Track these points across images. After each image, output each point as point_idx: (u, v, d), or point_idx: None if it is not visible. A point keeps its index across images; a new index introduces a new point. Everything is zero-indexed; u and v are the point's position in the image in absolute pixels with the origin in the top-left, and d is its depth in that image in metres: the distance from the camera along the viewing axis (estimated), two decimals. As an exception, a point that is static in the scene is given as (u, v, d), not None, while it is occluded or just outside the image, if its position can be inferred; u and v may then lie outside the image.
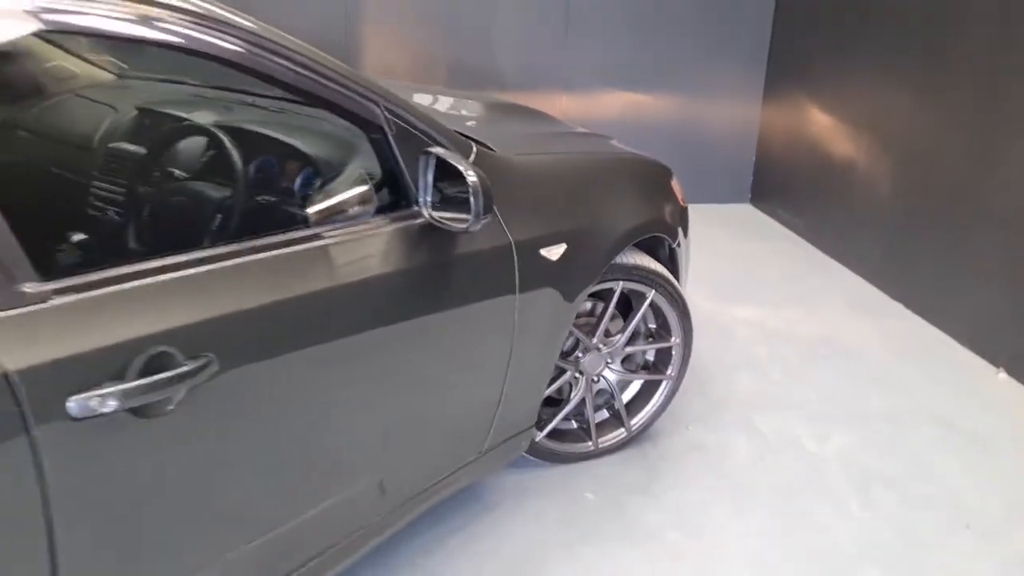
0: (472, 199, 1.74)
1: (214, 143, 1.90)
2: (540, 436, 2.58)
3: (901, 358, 3.62)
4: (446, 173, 1.84)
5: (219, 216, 1.81)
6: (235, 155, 1.84)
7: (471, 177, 1.75)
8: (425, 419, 2.04)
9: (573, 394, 2.65)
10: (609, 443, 2.77)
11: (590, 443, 2.73)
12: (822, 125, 5.02)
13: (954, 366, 3.59)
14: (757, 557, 2.35)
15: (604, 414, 2.81)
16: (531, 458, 2.64)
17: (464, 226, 1.79)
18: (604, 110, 5.39)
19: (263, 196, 1.90)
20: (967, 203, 3.77)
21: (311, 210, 1.82)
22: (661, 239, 2.73)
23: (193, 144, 1.96)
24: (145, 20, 1.44)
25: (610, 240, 2.45)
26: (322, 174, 1.90)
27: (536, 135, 2.86)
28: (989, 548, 2.43)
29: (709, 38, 5.41)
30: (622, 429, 2.78)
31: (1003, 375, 3.48)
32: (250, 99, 1.99)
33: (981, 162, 3.68)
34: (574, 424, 2.76)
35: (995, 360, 3.55)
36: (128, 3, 1.43)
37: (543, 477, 2.66)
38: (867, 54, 4.54)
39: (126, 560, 1.43)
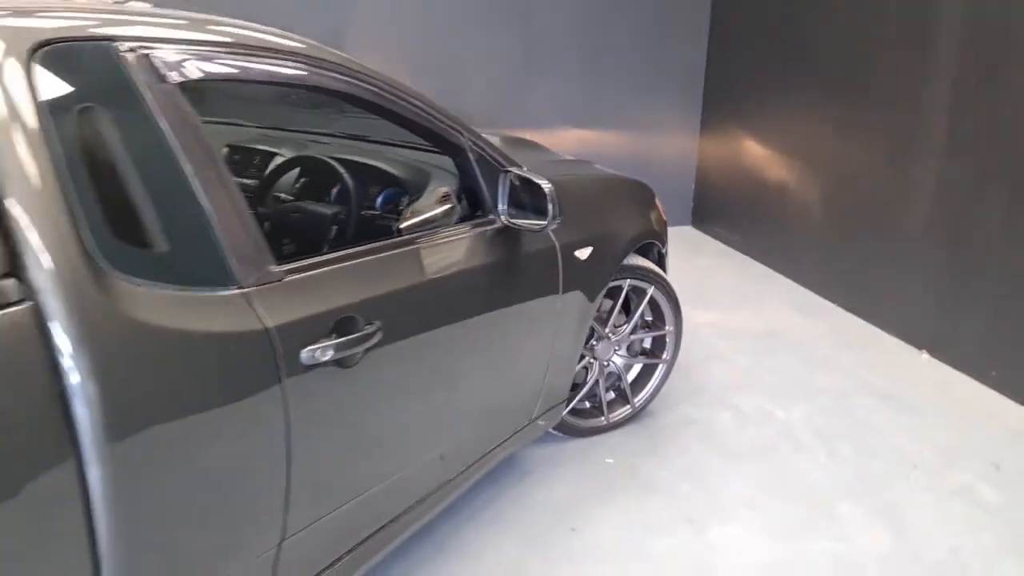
0: (549, 204, 2.25)
1: (368, 178, 2.48)
2: (564, 412, 3.07)
3: (840, 347, 4.26)
4: (512, 189, 2.35)
5: (369, 224, 2.32)
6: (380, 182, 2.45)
7: (547, 187, 2.26)
8: (500, 387, 2.51)
9: (589, 377, 3.16)
10: (617, 418, 3.28)
11: (603, 418, 3.24)
12: (755, 154, 5.72)
13: (884, 351, 4.25)
14: (752, 498, 2.89)
15: (611, 395, 3.31)
16: (556, 433, 3.13)
17: (541, 226, 2.29)
18: (561, 143, 5.96)
19: (391, 211, 2.42)
20: (884, 216, 4.47)
21: (423, 218, 2.28)
22: (653, 244, 3.29)
23: (349, 177, 2.53)
24: (312, 71, 1.90)
25: (621, 245, 2.98)
26: (420, 192, 2.39)
27: (544, 161, 3.39)
28: (930, 483, 3.03)
29: (651, 80, 6.08)
30: (628, 406, 3.30)
31: (925, 355, 4.16)
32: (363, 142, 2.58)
33: (893, 182, 4.39)
34: (587, 404, 3.26)
35: (918, 344, 4.22)
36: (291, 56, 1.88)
37: (567, 449, 3.15)
38: (792, 92, 5.26)
39: (330, 471, 1.86)
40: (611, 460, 3.10)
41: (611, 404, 3.28)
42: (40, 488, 1.27)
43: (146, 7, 1.77)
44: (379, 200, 2.55)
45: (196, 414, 1.51)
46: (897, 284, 4.38)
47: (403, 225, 2.24)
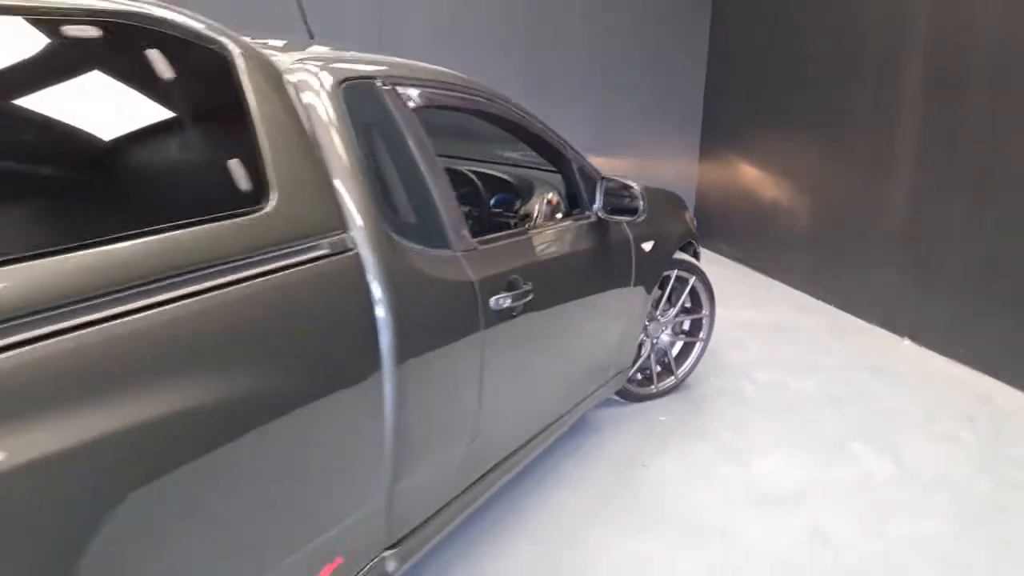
0: (640, 202, 2.97)
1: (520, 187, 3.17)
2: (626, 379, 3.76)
3: (834, 335, 5.02)
4: (607, 192, 3.07)
5: (494, 218, 3.01)
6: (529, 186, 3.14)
7: (637, 188, 2.99)
8: (594, 350, 3.21)
9: (643, 351, 3.86)
10: (664, 387, 3.99)
11: (652, 387, 3.94)
12: (749, 176, 6.53)
13: (872, 338, 5.02)
14: (781, 442, 3.60)
15: (658, 368, 4.02)
16: (616, 399, 3.82)
17: (632, 219, 3.02)
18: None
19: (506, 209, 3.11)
20: (864, 225, 5.27)
21: (539, 211, 2.99)
22: (691, 243, 4.02)
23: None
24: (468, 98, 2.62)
25: (672, 241, 3.72)
26: (529, 196, 3.10)
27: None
28: (920, 430, 3.77)
29: (654, 111, 6.88)
30: (672, 377, 4.00)
31: (907, 342, 4.93)
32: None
33: (870, 196, 5.20)
34: (639, 376, 3.96)
35: (900, 332, 5.00)
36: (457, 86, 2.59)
37: (626, 411, 3.84)
38: (780, 121, 6.08)
39: (499, 394, 2.54)
40: (664, 418, 3.80)
41: (659, 375, 3.98)
42: (359, 382, 1.91)
43: (359, 55, 2.46)
44: (492, 201, 3.26)
45: (441, 339, 2.19)
46: (879, 283, 5.17)
47: (530, 215, 2.95)
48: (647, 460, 3.41)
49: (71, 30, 1.53)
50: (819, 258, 5.75)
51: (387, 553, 2.18)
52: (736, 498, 3.14)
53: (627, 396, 3.86)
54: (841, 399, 4.08)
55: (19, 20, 1.46)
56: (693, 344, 4.07)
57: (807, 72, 5.78)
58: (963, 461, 3.50)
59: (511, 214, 3.14)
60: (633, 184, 3.02)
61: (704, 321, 4.05)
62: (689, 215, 4.11)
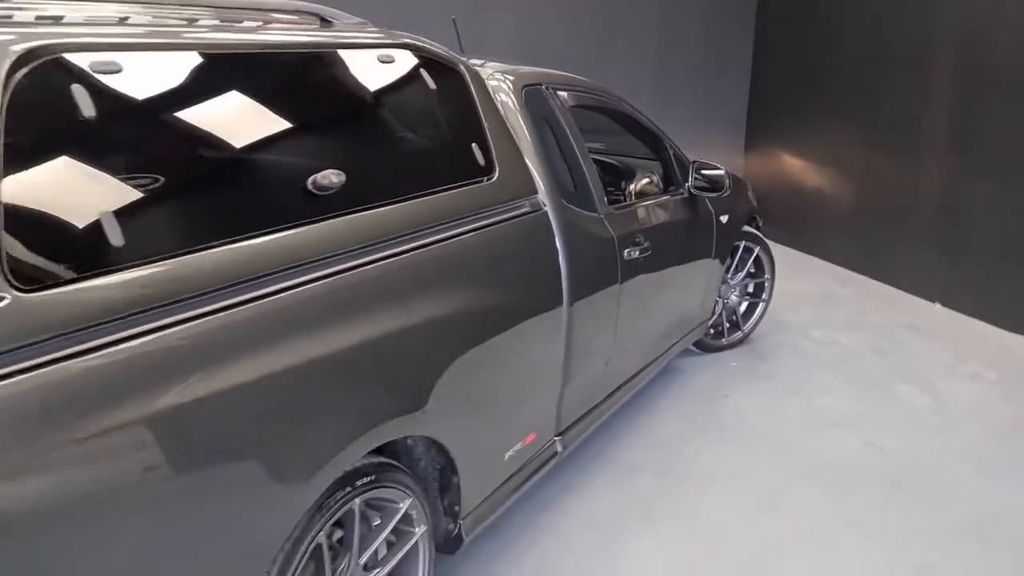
0: (726, 180, 3.71)
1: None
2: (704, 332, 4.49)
3: (874, 301, 5.73)
4: (697, 172, 3.79)
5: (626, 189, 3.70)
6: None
7: (723, 170, 3.72)
8: (686, 301, 3.94)
9: (716, 309, 4.59)
10: (733, 340, 4.71)
11: (723, 339, 4.67)
12: (791, 166, 7.23)
13: (907, 303, 5.72)
14: (836, 383, 4.31)
15: (727, 324, 4.74)
16: (694, 350, 4.55)
17: (718, 194, 3.75)
18: (635, 162, 7.47)
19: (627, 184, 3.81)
20: (899, 205, 5.97)
21: (643, 188, 3.72)
22: (755, 217, 4.75)
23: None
24: (596, 97, 3.36)
25: (742, 216, 4.44)
26: (632, 177, 3.84)
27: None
28: (952, 372, 4.47)
29: (702, 108, 7.59)
30: (740, 332, 4.73)
31: (938, 306, 5.62)
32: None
33: (905, 179, 5.90)
34: (712, 331, 4.68)
35: (932, 298, 5.69)
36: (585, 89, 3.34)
37: (704, 360, 4.57)
38: (821, 114, 6.78)
39: (627, 330, 3.28)
40: (735, 364, 4.53)
41: (728, 330, 4.70)
42: (547, 318, 2.66)
43: (536, 70, 3.20)
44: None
45: (595, 278, 2.94)
46: (912, 255, 5.87)
47: (630, 195, 3.69)
48: (724, 396, 4.14)
49: (378, 54, 2.29)
50: (857, 236, 6.44)
51: (557, 438, 2.93)
52: (804, 422, 3.87)
53: (703, 347, 4.59)
54: (885, 351, 4.79)
55: (349, 52, 2.22)
56: (756, 304, 4.79)
57: (845, 67, 6.48)
58: (989, 394, 4.20)
59: (619, 191, 3.87)
60: (719, 166, 3.76)
61: (766, 284, 4.77)
62: (752, 194, 4.83)
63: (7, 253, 1.34)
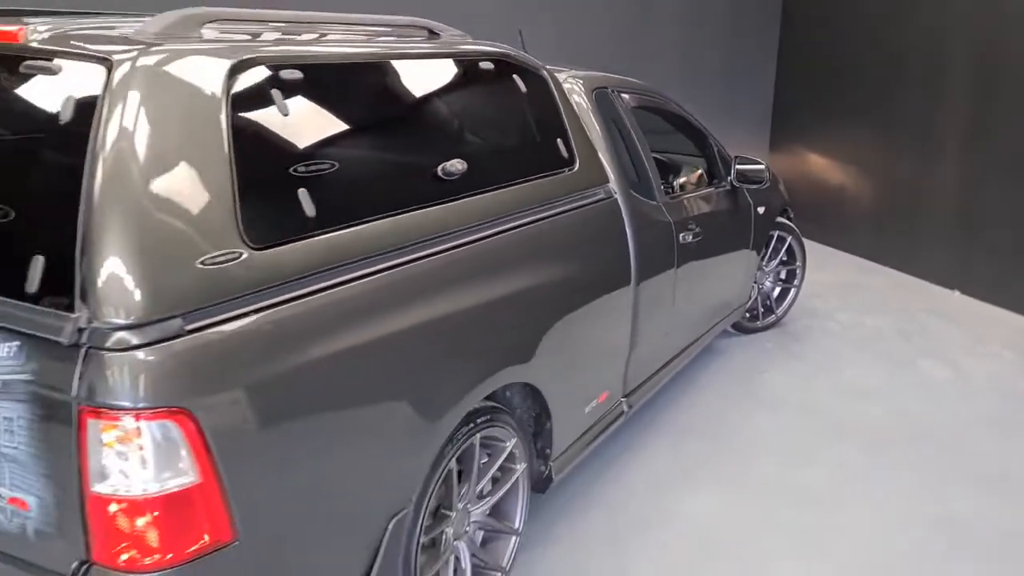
0: (767, 173, 4.09)
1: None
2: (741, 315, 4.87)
3: (896, 289, 6.10)
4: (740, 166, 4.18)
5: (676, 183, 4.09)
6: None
7: (763, 164, 4.10)
8: (728, 285, 4.32)
9: (753, 293, 4.97)
10: (767, 323, 5.09)
11: (759, 322, 5.05)
12: (814, 164, 7.60)
13: (927, 291, 6.09)
14: (863, 360, 4.69)
15: (761, 309, 5.12)
16: (732, 331, 4.93)
17: (759, 186, 4.14)
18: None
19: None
20: (918, 200, 6.33)
21: (692, 180, 4.11)
22: (787, 209, 5.13)
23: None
24: (662, 100, 3.76)
25: (776, 208, 4.83)
26: (678, 172, 4.23)
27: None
28: (972, 350, 4.84)
29: (729, 109, 7.97)
30: (773, 315, 5.11)
31: (957, 294, 5.98)
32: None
33: (923, 176, 6.26)
34: (747, 314, 5.06)
35: (951, 286, 6.05)
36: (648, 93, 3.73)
37: (741, 341, 4.95)
38: (843, 114, 7.15)
39: (682, 305, 3.66)
40: (770, 344, 4.92)
41: (763, 314, 5.09)
42: (619, 291, 3.06)
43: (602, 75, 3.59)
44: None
45: (656, 258, 3.33)
46: (932, 247, 6.23)
47: (682, 186, 4.08)
48: (762, 371, 4.53)
49: (481, 62, 2.70)
50: (878, 229, 6.81)
51: (623, 399, 3.32)
52: (834, 393, 4.25)
53: (741, 329, 4.97)
54: (908, 332, 5.16)
55: (460, 60, 2.63)
56: (789, 290, 5.17)
57: (867, 72, 6.85)
58: (1006, 370, 4.58)
59: (668, 184, 4.26)
60: (760, 161, 4.15)
61: (797, 271, 5.15)
62: (783, 188, 5.21)
63: (242, 222, 1.74)
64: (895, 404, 4.12)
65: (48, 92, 1.80)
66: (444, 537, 2.37)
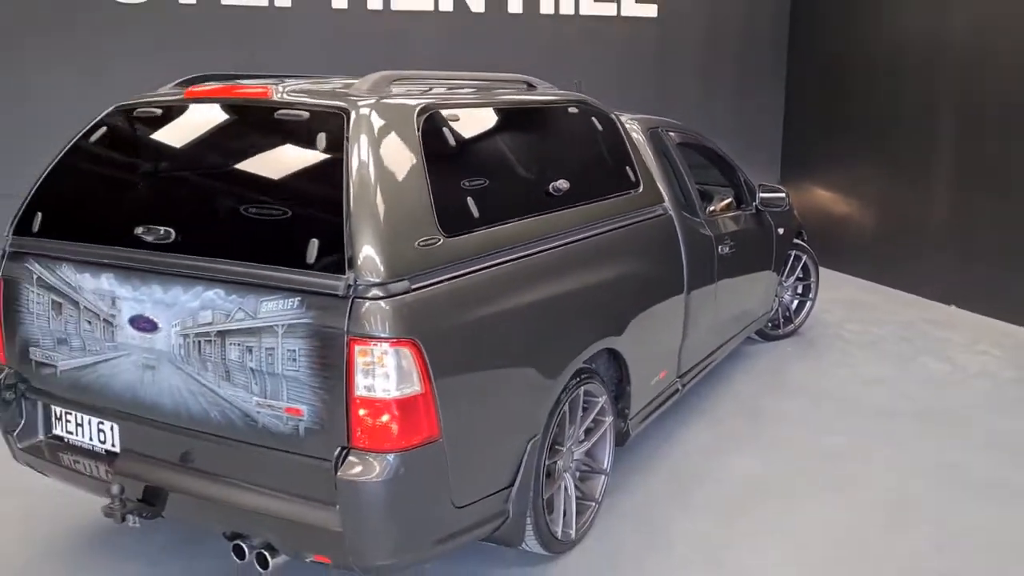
0: (787, 198, 4.88)
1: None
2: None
3: (896, 305, 6.85)
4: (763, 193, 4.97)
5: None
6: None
7: (784, 192, 4.89)
8: (754, 295, 5.08)
9: (775, 305, 5.72)
10: (787, 331, 5.83)
11: (780, 331, 5.80)
12: (822, 196, 8.41)
13: (925, 306, 6.83)
14: (872, 359, 5.42)
15: (781, 319, 5.87)
16: (755, 338, 5.67)
17: (781, 208, 4.93)
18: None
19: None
20: (915, 225, 7.12)
21: (724, 204, 4.89)
22: (801, 231, 5.91)
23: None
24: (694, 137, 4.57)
25: (793, 230, 5.61)
26: (716, 196, 5.02)
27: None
28: (967, 349, 5.57)
29: (742, 147, 8.79)
30: (792, 324, 5.86)
31: (954, 308, 6.73)
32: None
33: (919, 203, 7.06)
34: (769, 324, 5.80)
35: (947, 301, 6.80)
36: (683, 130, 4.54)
37: (765, 347, 5.68)
38: (847, 151, 7.98)
39: (717, 309, 4.42)
40: (790, 348, 5.66)
41: (783, 323, 5.83)
42: (676, 286, 3.82)
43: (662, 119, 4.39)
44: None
45: (702, 266, 4.10)
46: (929, 266, 7.00)
47: (716, 208, 4.86)
48: (785, 370, 5.26)
49: (568, 107, 3.50)
50: (879, 253, 7.58)
51: (678, 379, 4.06)
52: (849, 382, 4.98)
53: (764, 336, 5.71)
54: (909, 338, 5.90)
55: (555, 106, 3.44)
56: (805, 302, 5.93)
57: (868, 110, 7.69)
58: (995, 364, 5.31)
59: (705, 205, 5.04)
60: (781, 188, 4.94)
61: (812, 286, 5.91)
62: (796, 213, 6.00)
63: (438, 218, 2.52)
64: (900, 389, 4.85)
65: (298, 131, 2.60)
66: (557, 466, 3.09)
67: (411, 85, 2.93)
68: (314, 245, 2.37)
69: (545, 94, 3.53)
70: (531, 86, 3.56)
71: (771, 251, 5.21)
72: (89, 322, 2.74)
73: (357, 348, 2.29)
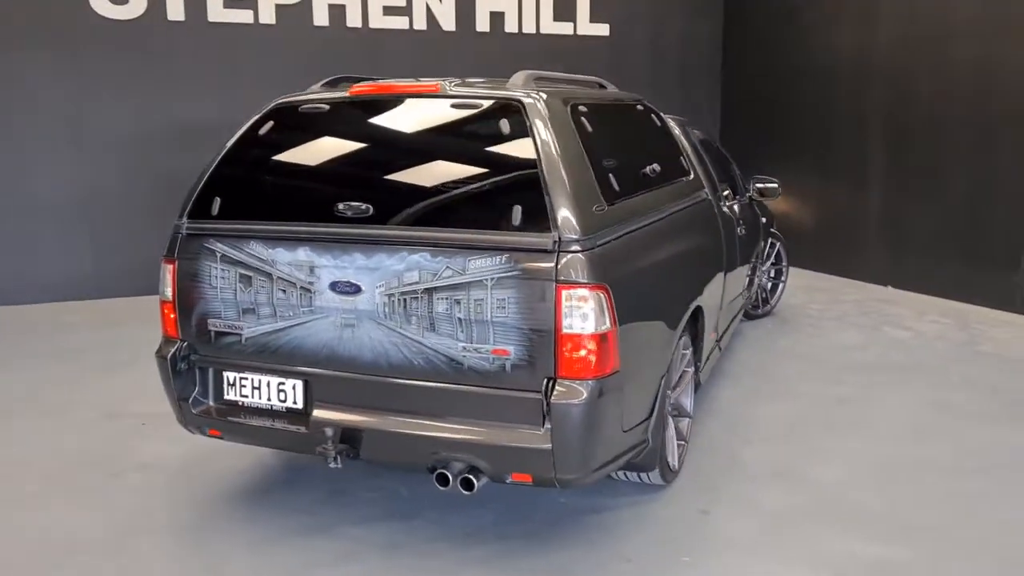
0: (779, 188, 5.62)
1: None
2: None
3: (844, 290, 7.76)
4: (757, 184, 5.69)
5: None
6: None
7: (775, 183, 5.63)
8: (752, 271, 5.79)
9: (764, 281, 6.44)
10: (765, 311, 6.58)
11: (759, 310, 6.54)
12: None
13: (866, 288, 7.76)
14: (844, 328, 6.22)
15: (760, 299, 6.61)
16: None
17: (774, 198, 5.66)
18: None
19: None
20: (852, 220, 8.08)
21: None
22: (773, 221, 6.69)
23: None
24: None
25: (771, 220, 6.38)
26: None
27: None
28: (920, 319, 6.49)
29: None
30: (768, 305, 6.62)
31: (890, 288, 7.69)
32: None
33: (854, 199, 8.02)
34: (751, 305, 6.53)
35: (884, 283, 7.76)
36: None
37: (747, 325, 6.40)
38: (783, 156, 8.91)
39: (740, 276, 5.08)
40: (770, 325, 6.41)
41: (761, 303, 6.58)
42: (717, 258, 4.45)
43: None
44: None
45: (731, 244, 4.75)
46: (866, 255, 7.96)
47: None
48: (774, 341, 5.99)
49: (636, 105, 4.10)
50: (819, 244, 8.52)
51: (717, 342, 4.68)
52: (831, 349, 5.76)
53: (746, 315, 6.43)
54: (866, 312, 6.77)
55: (628, 104, 4.02)
56: (779, 284, 6.71)
57: (803, 120, 8.64)
58: (948, 330, 6.21)
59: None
60: (774, 180, 5.68)
61: (783, 271, 6.70)
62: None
63: (600, 190, 3.04)
64: (876, 352, 5.66)
65: (478, 119, 3.08)
66: (666, 407, 3.63)
67: (548, 81, 3.44)
68: (518, 211, 2.84)
69: (619, 93, 4.10)
70: (602, 86, 4.11)
71: (759, 235, 5.94)
72: (283, 291, 3.10)
73: (564, 292, 2.77)
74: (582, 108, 3.31)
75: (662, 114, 4.44)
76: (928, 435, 4.23)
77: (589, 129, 3.26)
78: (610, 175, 3.21)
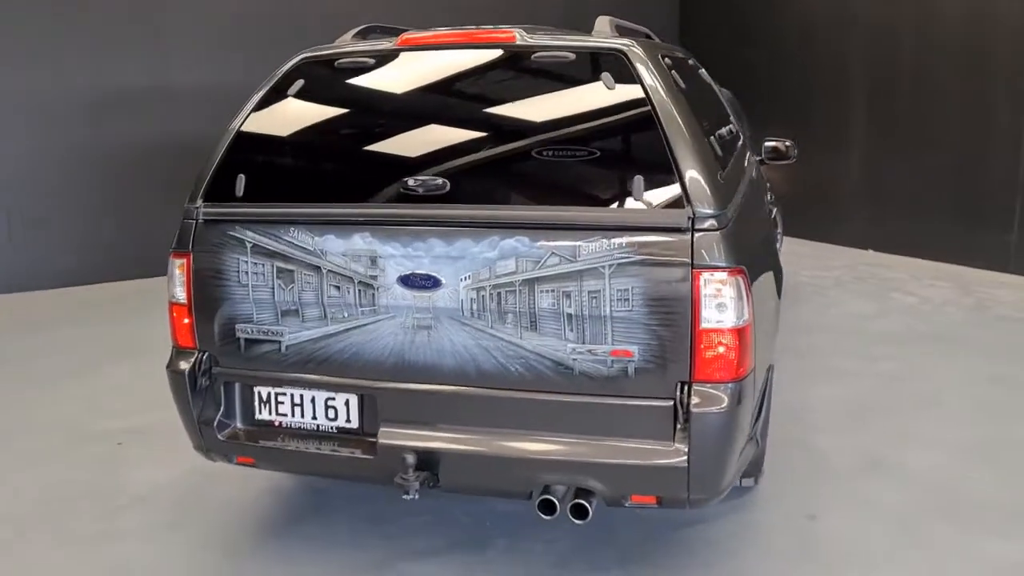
0: (795, 149, 5.27)
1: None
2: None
3: (828, 255, 7.56)
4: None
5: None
6: None
7: (790, 141, 5.28)
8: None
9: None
10: (764, 280, 6.29)
11: (758, 280, 6.24)
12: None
13: (849, 252, 7.59)
14: (852, 297, 5.99)
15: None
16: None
17: (787, 162, 5.31)
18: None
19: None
20: (830, 183, 7.87)
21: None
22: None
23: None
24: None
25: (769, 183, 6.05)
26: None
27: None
28: (919, 284, 6.29)
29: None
30: (767, 274, 6.32)
31: (870, 251, 7.53)
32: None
33: (835, 163, 7.82)
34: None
35: (864, 247, 7.60)
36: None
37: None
38: (764, 123, 8.61)
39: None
40: (774, 294, 6.10)
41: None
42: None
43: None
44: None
45: (769, 207, 4.37)
46: (847, 219, 7.77)
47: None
48: (784, 310, 5.67)
49: (687, 62, 3.62)
50: (802, 210, 8.28)
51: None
52: (844, 318, 5.51)
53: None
54: (862, 278, 6.57)
55: (688, 60, 3.55)
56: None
57: (781, 86, 8.36)
58: (948, 293, 6.06)
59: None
60: (789, 141, 5.33)
61: (779, 236, 6.40)
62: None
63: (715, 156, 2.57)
64: (897, 321, 5.43)
65: (571, 73, 2.55)
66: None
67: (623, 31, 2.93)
68: (639, 182, 2.35)
69: (673, 46, 3.62)
70: (649, 37, 3.63)
71: (773, 202, 5.60)
72: (336, 287, 2.52)
73: (702, 279, 2.30)
74: (668, 62, 2.82)
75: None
76: (1004, 412, 3.97)
77: (682, 85, 2.78)
78: (710, 138, 2.74)
